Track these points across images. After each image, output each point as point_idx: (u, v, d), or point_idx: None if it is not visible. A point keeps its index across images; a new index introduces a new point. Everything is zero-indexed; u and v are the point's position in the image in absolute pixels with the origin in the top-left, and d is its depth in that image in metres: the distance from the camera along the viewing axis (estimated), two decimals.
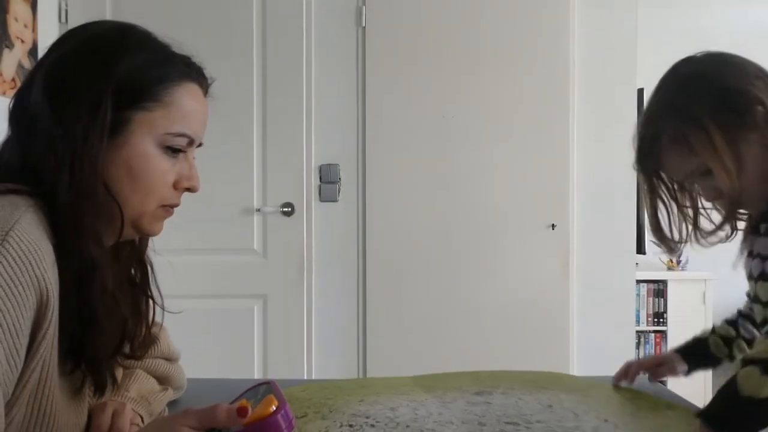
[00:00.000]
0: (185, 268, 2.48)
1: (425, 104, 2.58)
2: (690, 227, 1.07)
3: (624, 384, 1.19)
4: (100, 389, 0.77)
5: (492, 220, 2.57)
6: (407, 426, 0.98)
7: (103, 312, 0.74)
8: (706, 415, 0.89)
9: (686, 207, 1.08)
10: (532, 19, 2.57)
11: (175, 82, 0.80)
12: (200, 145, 0.86)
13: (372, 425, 0.99)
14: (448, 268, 2.58)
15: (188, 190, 0.84)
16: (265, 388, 0.78)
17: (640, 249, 3.12)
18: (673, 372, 1.18)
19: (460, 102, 2.57)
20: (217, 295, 2.52)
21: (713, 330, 1.22)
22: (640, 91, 2.71)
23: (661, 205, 1.07)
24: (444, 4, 2.58)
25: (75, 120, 0.73)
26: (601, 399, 1.10)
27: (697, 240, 1.07)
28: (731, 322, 1.21)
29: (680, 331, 3.42)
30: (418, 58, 2.57)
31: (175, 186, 0.82)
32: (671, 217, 1.07)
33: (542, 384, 1.18)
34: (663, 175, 1.06)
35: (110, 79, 0.75)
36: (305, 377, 2.53)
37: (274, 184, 2.55)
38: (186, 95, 0.81)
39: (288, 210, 2.54)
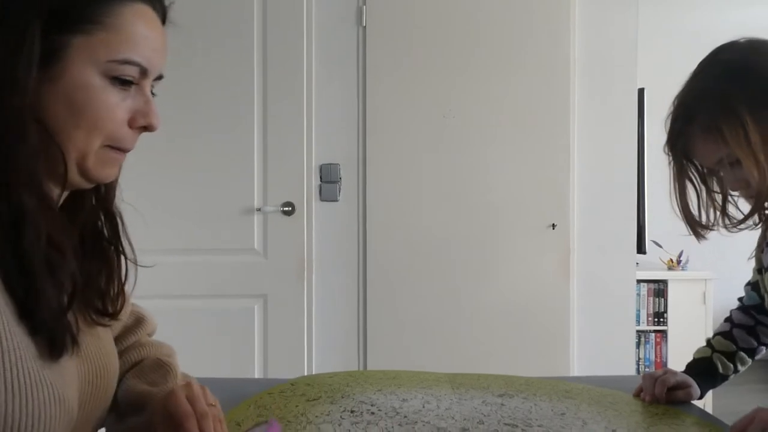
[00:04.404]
0: (185, 268, 2.49)
1: (425, 104, 2.58)
2: (718, 213, 1.04)
3: (647, 399, 1.12)
4: (55, 350, 0.68)
5: (492, 219, 2.57)
6: (405, 416, 0.99)
7: (41, 263, 0.66)
8: None
9: (715, 192, 1.05)
10: (532, 19, 2.57)
11: (118, 1, 0.70)
12: (160, 77, 0.76)
13: (373, 413, 1.00)
14: (448, 267, 2.58)
15: (145, 129, 0.74)
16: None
17: (641, 249, 3.12)
18: (689, 396, 1.13)
19: (460, 102, 2.57)
20: (218, 295, 2.52)
21: (712, 348, 1.20)
22: (641, 91, 2.71)
23: (690, 187, 1.04)
24: (444, 3, 2.58)
25: None
26: (624, 412, 1.05)
27: (725, 226, 1.04)
28: (726, 335, 1.20)
29: (680, 331, 3.43)
30: (418, 58, 2.58)
31: (130, 124, 0.73)
32: (700, 200, 1.04)
33: (571, 394, 1.14)
34: (693, 158, 1.03)
35: None
36: None
37: (274, 184, 2.55)
38: (134, 17, 0.71)
39: (288, 209, 2.54)
